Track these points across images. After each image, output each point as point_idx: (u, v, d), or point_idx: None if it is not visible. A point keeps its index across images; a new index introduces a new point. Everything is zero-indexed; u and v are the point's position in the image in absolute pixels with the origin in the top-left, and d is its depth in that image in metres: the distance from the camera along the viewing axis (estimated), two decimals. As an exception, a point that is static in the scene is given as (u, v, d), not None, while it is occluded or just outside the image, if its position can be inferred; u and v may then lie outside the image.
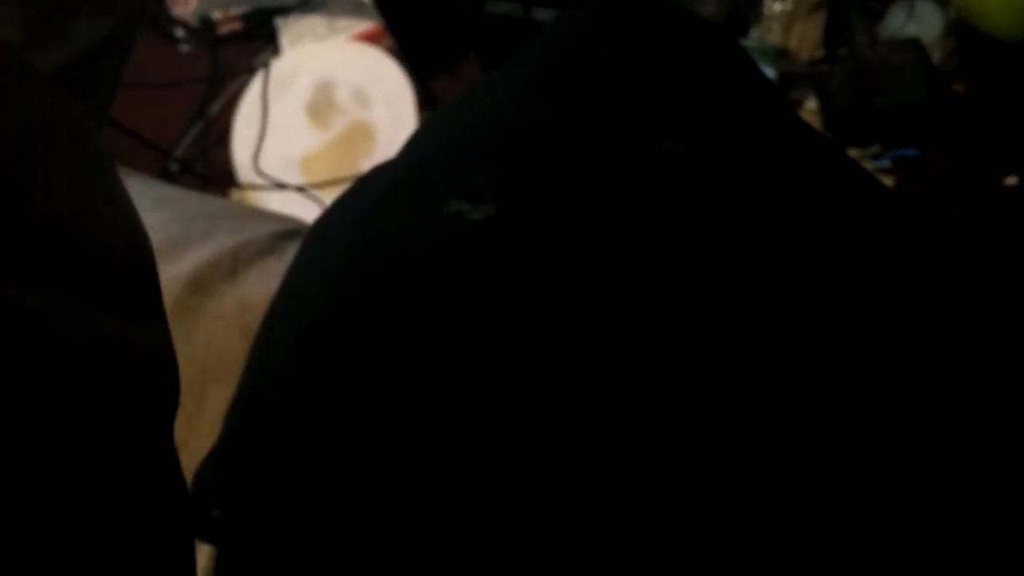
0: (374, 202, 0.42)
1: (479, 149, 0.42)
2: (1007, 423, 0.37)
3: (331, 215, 0.45)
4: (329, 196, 1.12)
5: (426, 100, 1.19)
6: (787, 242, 0.39)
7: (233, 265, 0.50)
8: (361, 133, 1.18)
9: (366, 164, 1.16)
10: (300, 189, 1.12)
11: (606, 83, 0.44)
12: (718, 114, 0.44)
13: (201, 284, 0.49)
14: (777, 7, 1.10)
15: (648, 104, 0.43)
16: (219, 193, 1.19)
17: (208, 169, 1.21)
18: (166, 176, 1.21)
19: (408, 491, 0.35)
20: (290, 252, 0.51)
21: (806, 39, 1.10)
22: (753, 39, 1.10)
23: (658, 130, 0.42)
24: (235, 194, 1.17)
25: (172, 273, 0.49)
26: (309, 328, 0.38)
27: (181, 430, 0.44)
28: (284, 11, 1.24)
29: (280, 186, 1.14)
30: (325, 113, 1.20)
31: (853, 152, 1.08)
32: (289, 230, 0.54)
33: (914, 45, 1.05)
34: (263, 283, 0.49)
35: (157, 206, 0.52)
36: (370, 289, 0.37)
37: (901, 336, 0.39)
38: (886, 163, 1.09)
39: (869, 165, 1.08)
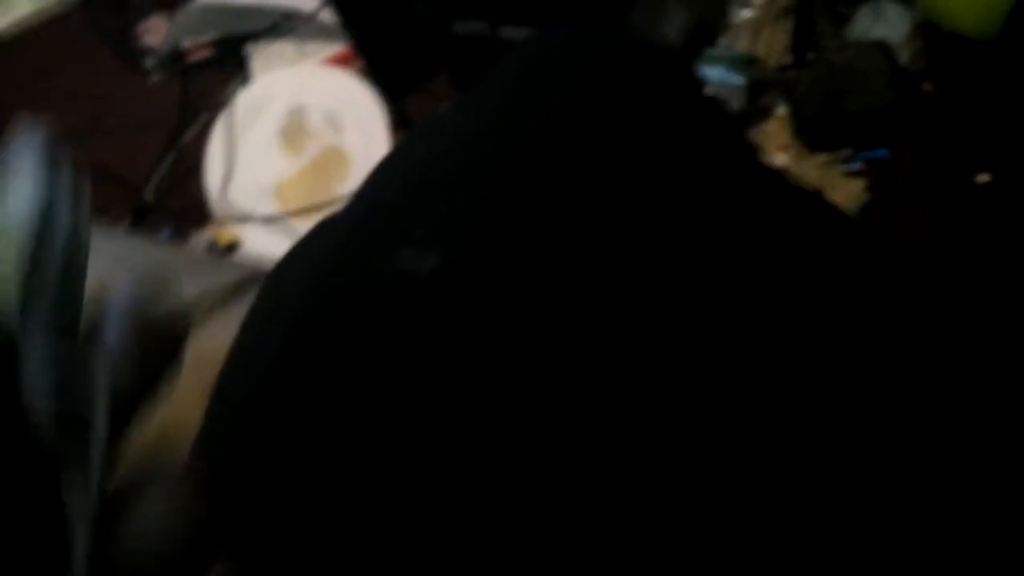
0: (320, 259, 0.42)
1: (424, 199, 0.42)
2: (984, 425, 0.38)
3: (281, 270, 0.45)
4: (303, 223, 1.12)
5: (399, 120, 1.19)
6: (740, 286, 0.40)
7: (191, 318, 0.50)
8: (335, 157, 1.18)
9: (341, 188, 1.16)
10: (270, 220, 1.12)
11: (555, 124, 0.44)
12: (670, 154, 0.44)
13: (160, 340, 0.49)
14: (744, 15, 1.10)
15: (599, 145, 0.43)
16: (193, 225, 1.18)
17: (183, 200, 1.21)
18: (140, 211, 1.21)
19: (361, 554, 0.35)
20: (248, 302, 0.51)
21: (774, 45, 1.10)
22: (721, 48, 1.10)
23: (610, 171, 0.42)
24: (210, 227, 1.17)
25: (130, 330, 0.49)
26: (256, 394, 0.38)
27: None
28: (254, 37, 1.24)
29: (254, 217, 1.14)
30: (298, 138, 1.20)
31: (824, 156, 1.09)
32: (247, 278, 0.54)
33: (881, 47, 1.06)
34: (220, 336, 0.49)
35: (115, 263, 0.52)
36: (316, 357, 0.37)
37: (855, 351, 0.39)
38: (858, 165, 1.09)
39: (841, 168, 1.09)
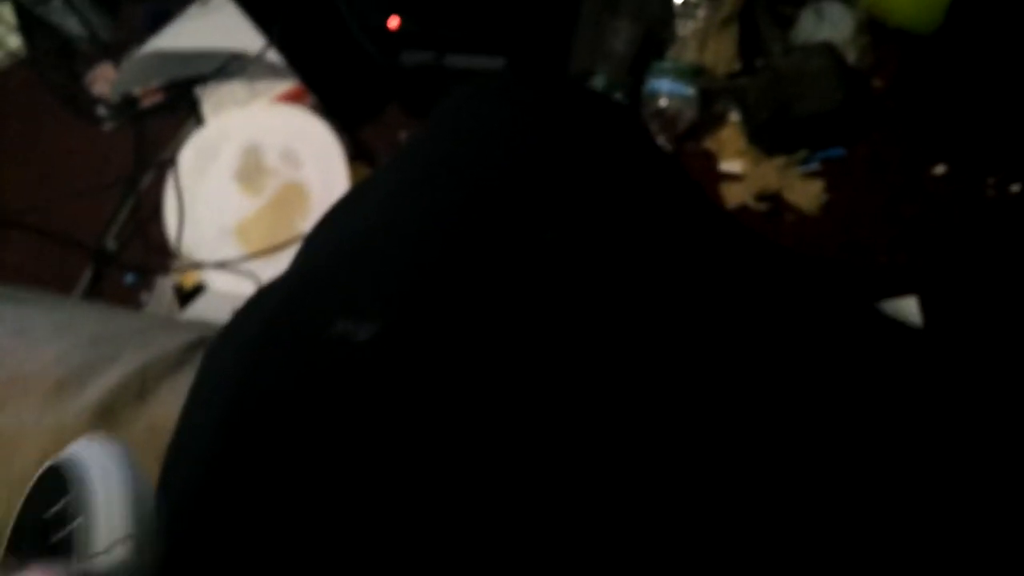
0: (258, 328, 0.41)
1: (361, 262, 0.42)
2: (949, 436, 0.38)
3: (218, 344, 0.45)
4: (264, 264, 1.11)
5: (356, 152, 1.18)
6: (672, 327, 0.40)
7: (141, 387, 0.50)
8: (294, 194, 1.18)
9: (302, 224, 1.15)
10: (232, 262, 1.11)
11: (489, 177, 0.44)
12: (605, 201, 0.44)
13: (110, 413, 0.49)
14: (690, 26, 1.10)
15: (531, 195, 0.43)
16: (157, 270, 1.18)
17: (145, 246, 1.20)
18: (101, 260, 1.20)
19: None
20: (196, 366, 0.50)
21: (721, 54, 1.11)
22: (670, 60, 1.11)
23: (542, 221, 0.42)
24: (174, 271, 1.16)
25: (79, 404, 0.49)
26: (197, 474, 0.38)
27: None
28: (203, 80, 1.23)
29: (216, 261, 1.13)
30: (255, 177, 1.19)
31: (781, 159, 1.09)
32: (198, 339, 0.53)
33: (827, 48, 1.06)
34: (173, 401, 0.49)
35: (56, 335, 0.51)
36: (253, 428, 0.37)
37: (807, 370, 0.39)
38: (815, 166, 1.10)
39: (798, 170, 1.09)
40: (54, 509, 0.29)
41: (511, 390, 0.37)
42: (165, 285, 1.18)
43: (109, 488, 0.29)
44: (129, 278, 1.20)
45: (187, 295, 1.16)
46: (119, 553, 0.28)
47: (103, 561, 0.28)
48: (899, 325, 0.45)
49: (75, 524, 0.28)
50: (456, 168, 0.45)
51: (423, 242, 0.42)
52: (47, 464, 0.31)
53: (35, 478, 0.31)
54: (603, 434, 0.36)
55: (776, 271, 0.45)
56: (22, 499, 0.30)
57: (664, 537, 0.33)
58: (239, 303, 0.48)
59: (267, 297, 0.44)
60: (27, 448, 0.47)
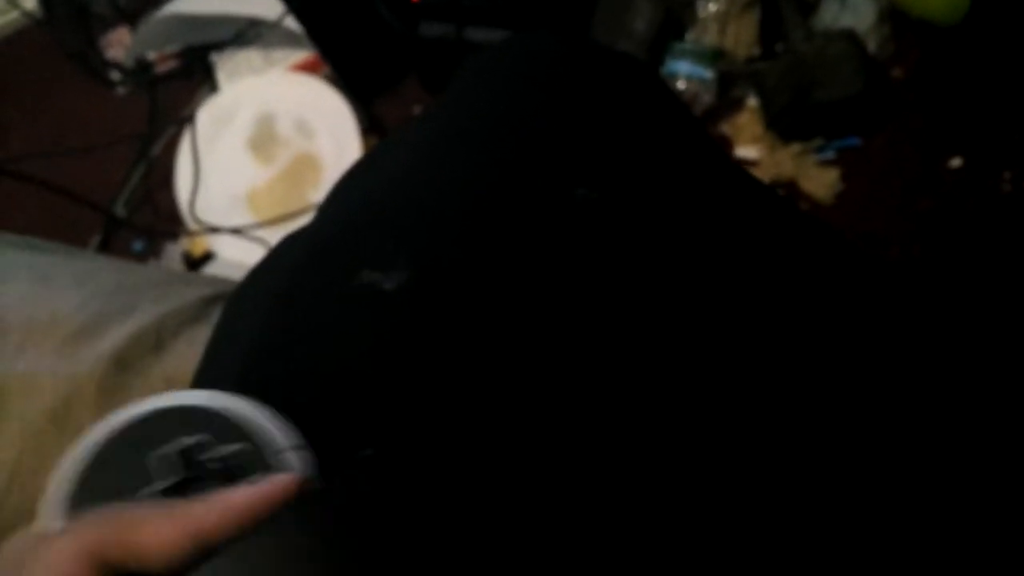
0: (284, 277, 0.41)
1: (388, 214, 0.41)
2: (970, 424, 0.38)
3: (246, 288, 0.45)
4: (277, 232, 1.11)
5: (370, 124, 1.18)
6: (702, 284, 0.39)
7: (158, 338, 0.50)
8: (306, 164, 1.17)
9: (314, 195, 1.15)
10: (242, 230, 1.11)
11: (517, 133, 0.44)
12: (634, 157, 0.43)
13: (126, 362, 0.48)
14: (711, 8, 1.09)
15: (561, 150, 0.43)
16: (166, 237, 1.17)
17: (155, 213, 1.20)
18: (111, 225, 1.19)
19: None
20: (214, 319, 0.50)
21: (742, 37, 1.10)
22: (689, 42, 1.10)
23: (571, 177, 0.42)
24: (183, 238, 1.16)
25: (95, 352, 0.48)
26: None
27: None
28: (219, 46, 1.22)
29: (226, 228, 1.13)
30: (268, 146, 1.19)
31: (797, 146, 1.09)
32: (215, 294, 0.53)
33: (848, 36, 1.06)
34: (190, 354, 0.49)
35: (76, 283, 0.51)
36: (278, 372, 0.37)
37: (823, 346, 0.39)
38: (831, 154, 1.09)
39: (814, 158, 1.09)
40: (190, 440, 0.30)
41: (535, 343, 0.37)
42: (174, 252, 1.17)
43: (256, 416, 0.31)
44: (137, 245, 1.19)
45: (196, 263, 1.15)
46: (299, 456, 0.30)
47: (289, 460, 0.30)
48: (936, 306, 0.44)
49: (234, 448, 0.30)
50: (483, 125, 0.45)
51: (450, 196, 0.41)
52: (152, 407, 0.31)
53: (133, 418, 0.31)
54: (623, 394, 0.36)
55: (808, 238, 0.45)
56: (101, 440, 0.31)
57: (674, 514, 0.33)
58: (242, 274, 0.48)
59: (293, 246, 0.44)
60: (43, 394, 0.46)
